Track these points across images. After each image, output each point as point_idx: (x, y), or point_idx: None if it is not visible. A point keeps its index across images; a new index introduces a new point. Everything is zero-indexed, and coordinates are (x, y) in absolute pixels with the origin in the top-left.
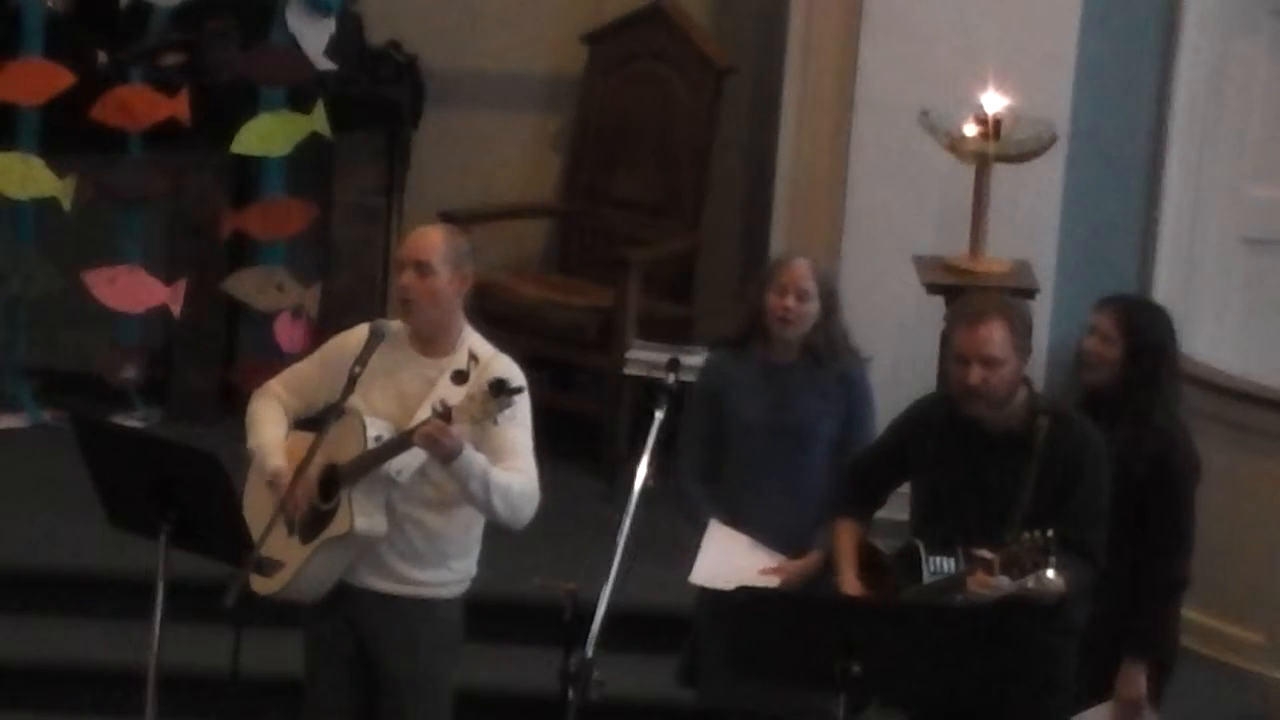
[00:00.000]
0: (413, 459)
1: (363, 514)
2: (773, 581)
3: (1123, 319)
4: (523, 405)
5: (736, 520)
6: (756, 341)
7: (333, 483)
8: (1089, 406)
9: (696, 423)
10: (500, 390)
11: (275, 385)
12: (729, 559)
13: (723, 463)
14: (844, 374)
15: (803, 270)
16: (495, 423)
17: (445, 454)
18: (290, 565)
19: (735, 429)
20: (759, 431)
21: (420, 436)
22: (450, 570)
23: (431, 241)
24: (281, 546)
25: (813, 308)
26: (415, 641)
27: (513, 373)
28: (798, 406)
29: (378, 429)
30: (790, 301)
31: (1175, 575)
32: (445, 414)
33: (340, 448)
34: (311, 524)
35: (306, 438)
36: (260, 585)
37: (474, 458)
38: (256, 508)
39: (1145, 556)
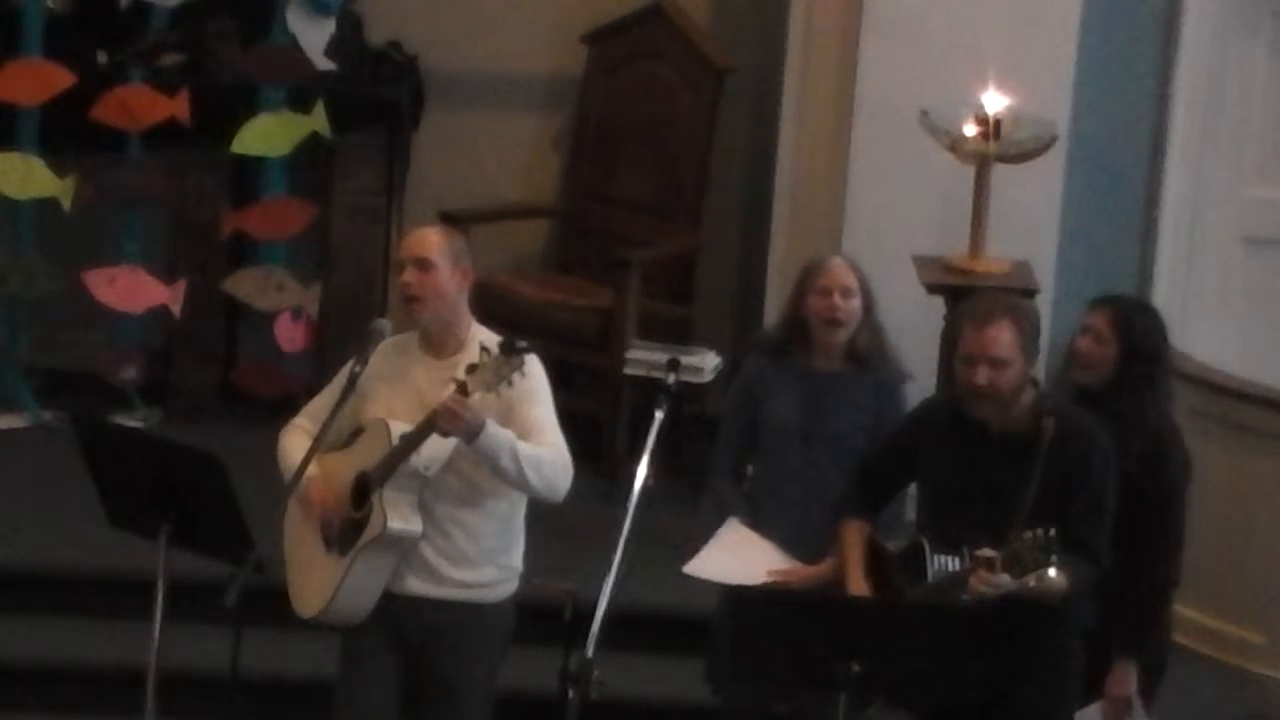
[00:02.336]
0: (439, 451)
1: (395, 513)
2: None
3: (1117, 319)
4: (540, 382)
5: (758, 522)
6: (797, 349)
7: (365, 492)
8: (1079, 405)
9: (733, 422)
10: (511, 349)
11: (300, 420)
12: (737, 556)
13: (752, 464)
14: (879, 386)
15: (843, 268)
16: (510, 384)
17: (468, 430)
18: (332, 580)
19: (769, 433)
20: (792, 438)
21: (440, 412)
22: (497, 567)
23: (429, 238)
24: (321, 565)
25: (858, 304)
26: (464, 648)
27: (527, 356)
28: (833, 417)
29: (402, 430)
30: (837, 299)
31: (1166, 575)
32: (461, 387)
33: (368, 456)
34: (348, 535)
35: (339, 459)
36: (304, 607)
37: (498, 431)
38: (296, 536)
39: (1136, 556)
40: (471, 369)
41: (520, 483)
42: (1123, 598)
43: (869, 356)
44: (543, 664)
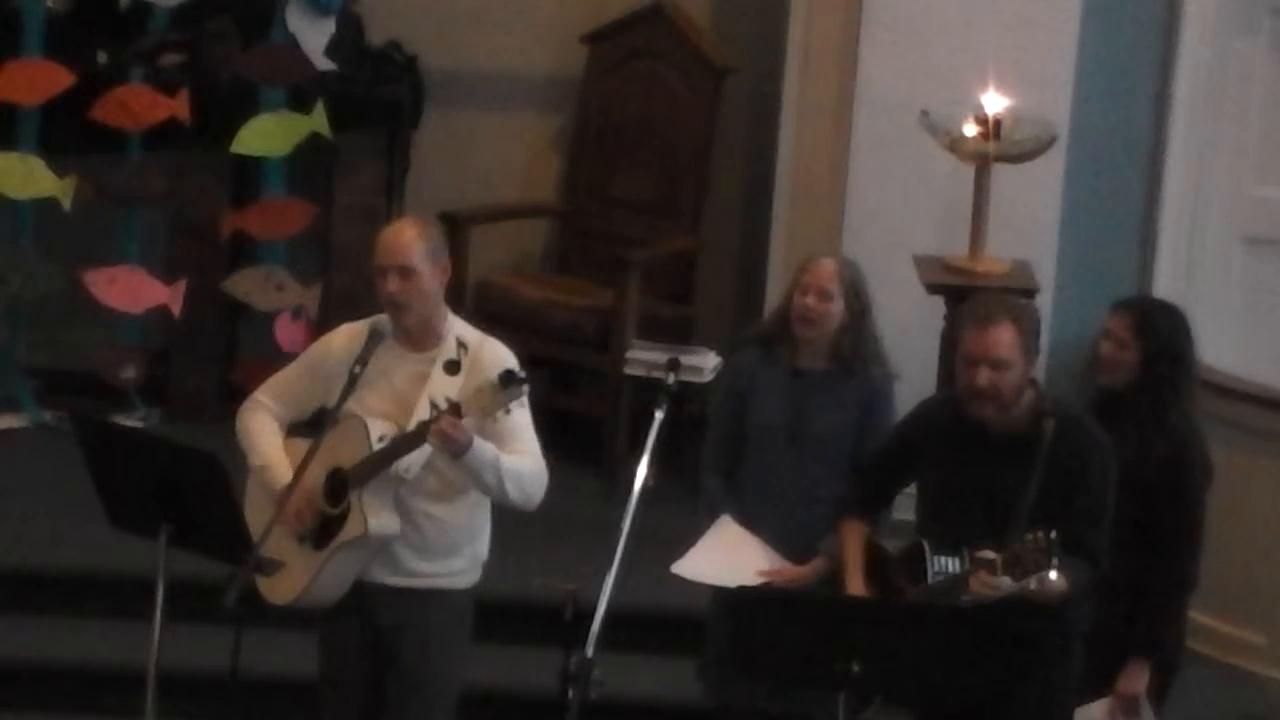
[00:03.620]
0: (420, 455)
1: (375, 515)
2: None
3: (1137, 322)
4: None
5: (745, 519)
6: (786, 345)
7: (339, 487)
8: (1104, 408)
9: (721, 418)
10: (510, 381)
11: (262, 397)
12: (726, 556)
13: (741, 460)
14: (868, 388)
15: (826, 271)
16: (508, 411)
17: (457, 449)
18: (305, 573)
19: (754, 431)
20: (777, 436)
21: (435, 434)
22: (463, 557)
23: (407, 242)
24: (294, 556)
25: (834, 308)
26: (430, 633)
27: (505, 356)
28: (818, 416)
29: (380, 430)
30: (811, 300)
31: (1184, 576)
32: (455, 408)
33: (342, 452)
34: (323, 531)
35: (304, 445)
36: (275, 596)
37: (484, 448)
38: (257, 517)
39: (1154, 557)
40: (451, 367)
41: (499, 495)
42: (1140, 597)
43: (853, 359)
44: (543, 664)
